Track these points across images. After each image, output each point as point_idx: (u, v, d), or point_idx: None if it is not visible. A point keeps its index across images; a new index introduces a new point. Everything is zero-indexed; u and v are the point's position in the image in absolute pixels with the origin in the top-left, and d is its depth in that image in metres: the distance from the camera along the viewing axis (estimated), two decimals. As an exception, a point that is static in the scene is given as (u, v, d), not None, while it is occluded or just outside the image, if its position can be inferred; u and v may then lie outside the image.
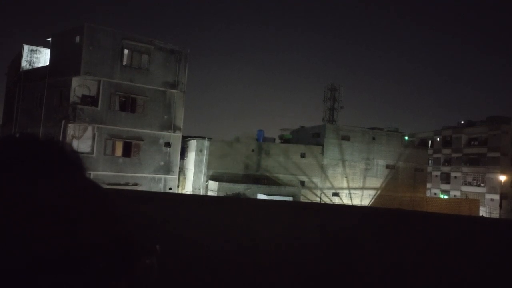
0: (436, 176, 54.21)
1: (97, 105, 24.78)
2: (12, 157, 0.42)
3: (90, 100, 24.90)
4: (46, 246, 0.38)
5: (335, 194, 35.72)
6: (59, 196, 0.41)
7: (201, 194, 30.60)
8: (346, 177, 36.38)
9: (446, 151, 53.35)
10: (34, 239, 0.37)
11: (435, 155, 54.18)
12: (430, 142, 55.81)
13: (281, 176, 33.86)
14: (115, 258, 0.42)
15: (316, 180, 35.27)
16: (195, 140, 33.06)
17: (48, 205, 0.40)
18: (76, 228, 0.40)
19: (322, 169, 35.58)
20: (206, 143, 32.79)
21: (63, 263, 0.38)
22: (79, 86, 24.69)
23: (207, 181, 32.21)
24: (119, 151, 24.98)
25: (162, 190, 25.24)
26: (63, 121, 23.72)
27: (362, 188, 36.94)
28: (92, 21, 29.23)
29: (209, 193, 30.32)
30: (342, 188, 36.19)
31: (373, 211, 5.66)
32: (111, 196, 0.47)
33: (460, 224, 3.35)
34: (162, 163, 26.51)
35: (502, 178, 42.94)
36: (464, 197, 43.62)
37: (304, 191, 32.85)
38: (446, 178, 52.88)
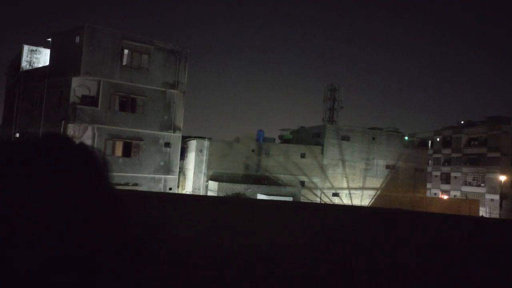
0: (436, 176, 54.21)
1: (97, 105, 24.78)
2: (41, 157, 0.43)
3: (90, 100, 24.89)
4: (59, 247, 0.38)
5: (335, 194, 35.72)
6: (80, 199, 0.42)
7: (201, 194, 30.61)
8: (346, 177, 36.38)
9: (446, 151, 53.35)
10: (47, 239, 0.38)
11: (435, 155, 54.17)
12: (430, 142, 55.81)
13: (281, 176, 33.87)
14: (122, 264, 0.43)
15: (316, 180, 35.28)
16: (195, 140, 33.06)
17: (64, 207, 0.40)
18: (87, 232, 0.41)
19: (322, 169, 35.58)
20: (206, 143, 32.79)
21: (72, 265, 0.38)
22: (79, 86, 24.69)
23: (207, 181, 32.22)
24: (119, 151, 24.99)
25: (162, 190, 25.24)
26: (63, 121, 23.72)
27: (362, 188, 36.94)
28: (92, 21, 29.25)
29: (209, 193, 30.33)
30: (342, 188, 36.19)
31: (373, 211, 5.66)
32: (127, 203, 0.49)
33: (460, 224, 3.35)
34: (162, 163, 26.50)
35: (502, 178, 42.94)
36: (464, 197, 43.62)
37: (304, 191, 32.86)
38: (446, 178, 52.88)
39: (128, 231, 0.46)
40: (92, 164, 0.47)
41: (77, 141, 0.49)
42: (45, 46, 28.68)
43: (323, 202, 30.96)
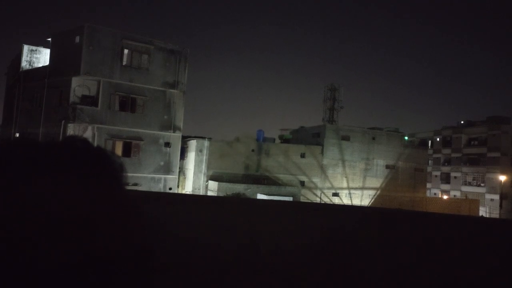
0: (436, 176, 54.22)
1: (97, 105, 24.78)
2: (59, 159, 0.44)
3: (90, 100, 24.89)
4: (74, 249, 0.39)
5: (335, 194, 35.72)
6: (96, 203, 0.43)
7: (201, 194, 30.61)
8: (346, 177, 36.38)
9: (446, 151, 53.36)
10: (62, 241, 0.38)
11: (435, 155, 54.18)
12: (430, 142, 55.82)
13: (281, 176, 33.86)
14: (135, 268, 0.44)
15: (316, 180, 35.28)
16: (195, 140, 33.06)
17: (82, 209, 0.41)
18: (102, 235, 0.41)
19: (322, 169, 35.58)
20: (206, 143, 32.79)
21: (88, 267, 0.39)
22: (79, 86, 24.69)
23: (207, 181, 32.21)
24: (119, 151, 24.97)
25: (162, 190, 25.24)
26: (63, 121, 23.72)
27: (362, 188, 36.95)
28: (92, 21, 29.24)
29: (209, 193, 30.33)
30: (342, 188, 36.19)
31: (373, 211, 5.66)
32: (141, 210, 0.50)
33: (460, 224, 3.35)
34: (162, 163, 26.51)
35: (502, 178, 42.94)
36: (464, 197, 43.63)
37: (304, 191, 32.85)
38: (446, 178, 52.89)
39: (142, 234, 0.46)
40: (109, 167, 0.47)
41: (95, 144, 0.50)
42: (45, 46, 28.69)
43: (323, 202, 30.96)
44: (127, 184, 0.49)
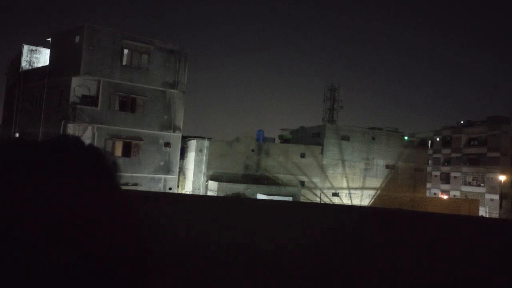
0: (436, 176, 54.21)
1: (96, 105, 24.78)
2: (50, 158, 0.44)
3: (90, 100, 24.88)
4: (70, 249, 0.39)
5: (335, 194, 35.72)
6: (92, 200, 0.43)
7: (201, 194, 30.60)
8: (346, 177, 36.38)
9: (446, 151, 53.35)
10: (59, 241, 0.38)
11: (435, 155, 54.18)
12: (430, 142, 55.82)
13: (281, 176, 33.86)
14: (132, 267, 0.44)
15: (316, 180, 35.28)
16: (195, 140, 33.06)
17: (76, 209, 0.41)
18: (98, 234, 0.41)
19: (322, 169, 35.58)
20: (206, 143, 32.79)
21: (83, 267, 0.39)
22: (79, 86, 24.68)
23: (207, 181, 32.21)
24: (118, 151, 24.97)
25: (162, 190, 25.24)
26: (63, 121, 23.71)
27: (362, 188, 36.94)
28: (92, 21, 29.24)
29: (209, 193, 30.32)
30: (341, 188, 36.19)
31: (373, 211, 5.67)
32: (138, 209, 0.50)
33: (460, 224, 3.35)
34: (162, 163, 26.50)
35: (502, 178, 42.94)
36: (464, 197, 43.62)
37: (304, 191, 32.85)
38: (446, 178, 52.88)
39: (140, 233, 0.46)
40: (102, 166, 0.47)
41: (87, 143, 0.50)
42: (45, 46, 28.68)
43: (323, 202, 30.96)
44: (123, 183, 0.49)
